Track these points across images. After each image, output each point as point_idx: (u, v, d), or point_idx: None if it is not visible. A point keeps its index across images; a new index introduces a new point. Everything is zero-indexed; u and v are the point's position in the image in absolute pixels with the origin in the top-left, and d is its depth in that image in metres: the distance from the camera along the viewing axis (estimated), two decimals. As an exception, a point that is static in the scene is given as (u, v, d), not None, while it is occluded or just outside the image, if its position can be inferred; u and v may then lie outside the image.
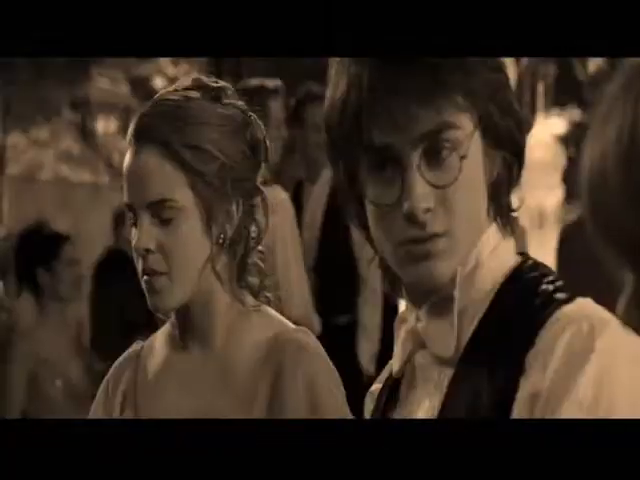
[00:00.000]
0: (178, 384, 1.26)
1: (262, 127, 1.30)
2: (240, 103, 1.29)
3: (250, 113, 1.29)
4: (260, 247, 1.28)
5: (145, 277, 1.23)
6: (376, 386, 1.04)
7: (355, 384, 1.20)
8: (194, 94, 1.27)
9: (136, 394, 1.28)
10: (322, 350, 1.23)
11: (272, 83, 3.09)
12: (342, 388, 1.23)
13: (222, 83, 1.29)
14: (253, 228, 1.27)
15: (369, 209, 0.93)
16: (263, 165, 1.28)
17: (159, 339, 1.31)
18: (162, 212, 1.23)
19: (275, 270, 2.94)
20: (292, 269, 2.96)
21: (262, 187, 1.28)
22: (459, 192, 0.91)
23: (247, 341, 1.24)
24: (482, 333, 0.93)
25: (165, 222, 1.23)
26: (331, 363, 1.23)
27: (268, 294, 1.28)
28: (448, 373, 0.93)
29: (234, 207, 1.25)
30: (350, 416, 1.22)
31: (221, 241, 1.24)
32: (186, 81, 1.29)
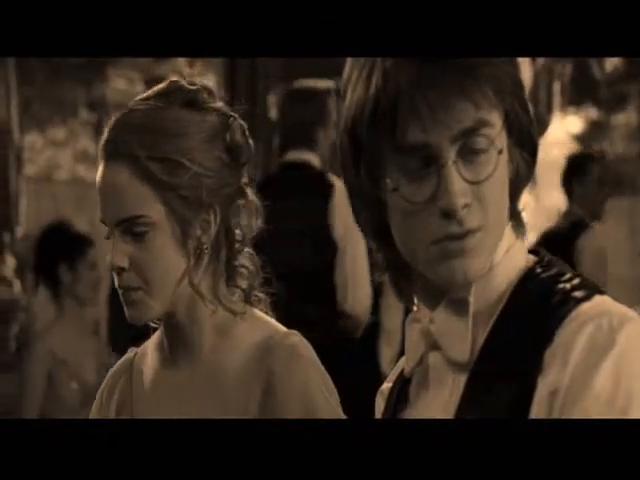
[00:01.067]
0: (169, 394, 1.24)
1: (244, 128, 1.25)
2: (219, 104, 1.25)
3: (230, 114, 1.25)
4: (247, 248, 1.25)
5: (121, 291, 1.22)
6: (386, 385, 1.03)
7: (374, 384, 1.20)
8: (166, 102, 1.23)
9: (132, 404, 1.27)
10: (314, 354, 1.22)
11: (326, 84, 3.20)
12: (335, 392, 1.21)
13: (200, 84, 1.25)
14: (238, 231, 1.24)
15: (397, 208, 0.92)
16: (247, 167, 1.25)
17: (151, 347, 1.29)
18: (133, 229, 1.20)
19: (344, 263, 3.01)
20: (359, 263, 3.03)
21: (247, 188, 1.24)
22: (492, 188, 0.91)
23: (236, 348, 1.22)
24: (497, 335, 0.93)
25: (137, 239, 1.21)
26: (322, 367, 1.21)
27: (259, 293, 1.26)
28: (462, 378, 0.92)
29: (212, 215, 1.22)
30: (341, 411, 1.20)
31: (199, 251, 1.21)
32: (161, 86, 1.25)
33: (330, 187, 3.09)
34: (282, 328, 1.25)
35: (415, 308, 0.98)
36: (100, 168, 1.23)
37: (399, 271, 0.96)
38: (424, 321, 0.96)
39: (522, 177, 0.95)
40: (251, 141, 1.26)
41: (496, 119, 0.91)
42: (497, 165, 0.91)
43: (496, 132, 0.91)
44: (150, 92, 1.25)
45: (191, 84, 1.25)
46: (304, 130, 3.16)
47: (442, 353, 0.94)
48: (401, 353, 1.02)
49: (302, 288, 3.09)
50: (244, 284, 1.25)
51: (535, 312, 0.91)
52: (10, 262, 4.76)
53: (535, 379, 0.88)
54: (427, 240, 0.91)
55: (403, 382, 1.00)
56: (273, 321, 1.26)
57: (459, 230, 0.90)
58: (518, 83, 0.93)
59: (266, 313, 1.28)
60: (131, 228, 1.21)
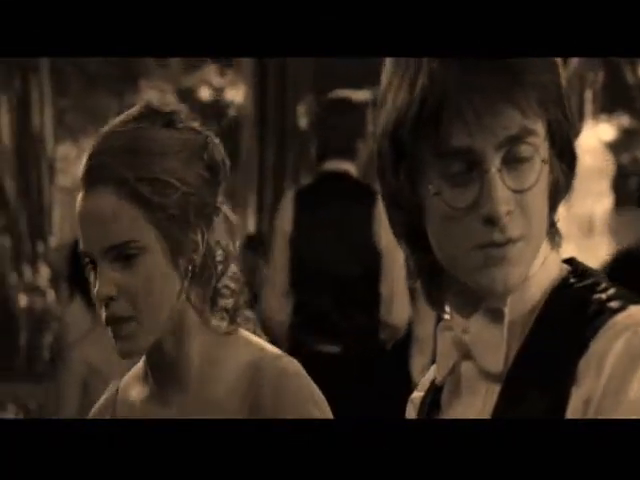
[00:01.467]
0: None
1: (219, 146, 1.24)
2: (195, 124, 1.24)
3: (207, 134, 1.24)
4: (231, 268, 1.22)
5: (110, 325, 1.18)
6: (417, 394, 1.03)
7: (404, 393, 1.20)
8: (144, 123, 1.21)
9: None
10: (304, 374, 1.19)
11: (363, 95, 3.24)
12: (328, 411, 1.18)
13: (174, 106, 1.24)
14: (219, 252, 1.21)
15: (437, 213, 0.91)
16: (223, 185, 1.22)
17: (133, 380, 1.27)
18: (124, 254, 1.17)
19: (391, 274, 3.07)
20: (402, 275, 3.11)
21: (223, 207, 1.23)
22: (535, 197, 0.91)
23: (224, 372, 1.20)
24: (531, 345, 0.92)
25: (127, 264, 1.17)
26: (315, 387, 1.19)
27: (248, 313, 1.24)
28: (496, 387, 0.92)
29: (199, 235, 1.19)
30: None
31: (190, 274, 1.19)
32: (135, 109, 1.24)
33: (373, 197, 3.13)
34: (271, 349, 1.21)
35: (447, 316, 0.98)
36: (82, 197, 1.19)
37: (432, 278, 0.96)
38: (457, 330, 0.95)
39: (560, 188, 0.94)
40: (227, 161, 1.24)
41: (540, 129, 0.91)
42: (540, 175, 0.91)
43: (540, 141, 0.91)
44: (124, 116, 1.22)
45: (165, 105, 1.24)
46: (343, 140, 3.19)
47: (475, 363, 0.94)
48: (433, 362, 1.01)
49: (342, 296, 3.12)
50: (229, 305, 1.22)
51: (570, 322, 0.91)
52: (44, 272, 4.80)
53: (569, 389, 0.88)
54: (467, 246, 0.90)
55: (435, 391, 0.99)
56: (261, 342, 1.23)
57: (501, 238, 0.89)
58: (563, 93, 0.93)
59: (254, 332, 1.25)
60: (121, 254, 1.17)
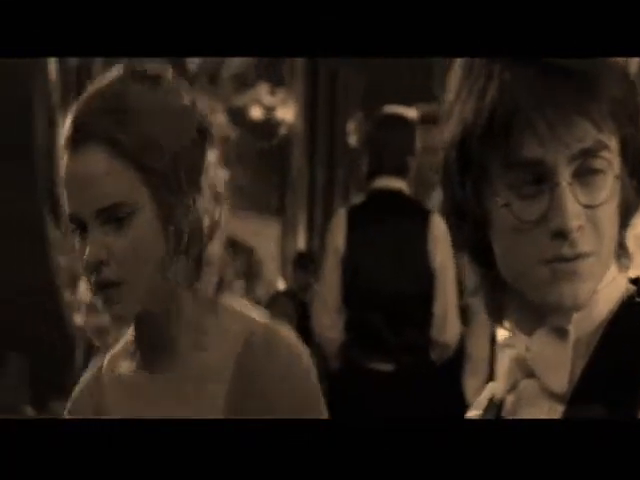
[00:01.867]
0: (147, 403, 1.18)
1: (207, 108, 1.20)
2: (183, 85, 1.20)
3: (194, 96, 1.19)
4: (217, 238, 1.18)
5: (99, 291, 1.14)
6: (474, 412, 1.01)
7: (459, 411, 1.17)
8: (134, 83, 1.17)
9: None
10: (295, 338, 1.17)
11: (414, 112, 3.28)
12: (314, 375, 1.16)
13: (159, 68, 1.19)
14: (206, 219, 1.17)
15: (505, 225, 0.90)
16: (209, 152, 1.18)
17: (118, 356, 1.23)
18: (115, 217, 1.13)
19: (445, 293, 3.11)
20: (454, 293, 3.08)
21: (210, 173, 1.18)
22: (607, 213, 0.89)
23: (214, 341, 1.17)
24: (597, 365, 0.90)
25: (119, 227, 1.14)
26: (306, 352, 1.16)
27: (237, 283, 1.23)
28: (559, 407, 0.90)
29: (190, 200, 1.16)
30: (324, 406, 1.15)
31: (179, 238, 1.15)
32: (118, 71, 1.19)
33: (426, 215, 3.15)
34: (262, 314, 1.19)
35: (503, 331, 0.96)
36: (70, 158, 1.14)
37: (494, 293, 0.94)
38: (518, 347, 0.94)
39: (631, 206, 0.92)
40: (214, 127, 1.19)
41: (614, 144, 0.90)
42: (613, 190, 0.89)
43: (614, 157, 0.90)
44: (107, 78, 1.17)
45: (150, 69, 1.19)
46: (394, 157, 3.21)
47: (537, 381, 0.92)
48: (488, 380, 0.99)
49: (394, 314, 3.12)
50: (216, 275, 1.18)
51: (637, 342, 0.89)
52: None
53: (636, 410, 0.86)
54: (534, 260, 0.89)
55: (493, 409, 0.98)
56: (252, 307, 1.20)
57: (571, 252, 0.88)
58: (638, 108, 0.91)
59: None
60: (112, 216, 1.13)
